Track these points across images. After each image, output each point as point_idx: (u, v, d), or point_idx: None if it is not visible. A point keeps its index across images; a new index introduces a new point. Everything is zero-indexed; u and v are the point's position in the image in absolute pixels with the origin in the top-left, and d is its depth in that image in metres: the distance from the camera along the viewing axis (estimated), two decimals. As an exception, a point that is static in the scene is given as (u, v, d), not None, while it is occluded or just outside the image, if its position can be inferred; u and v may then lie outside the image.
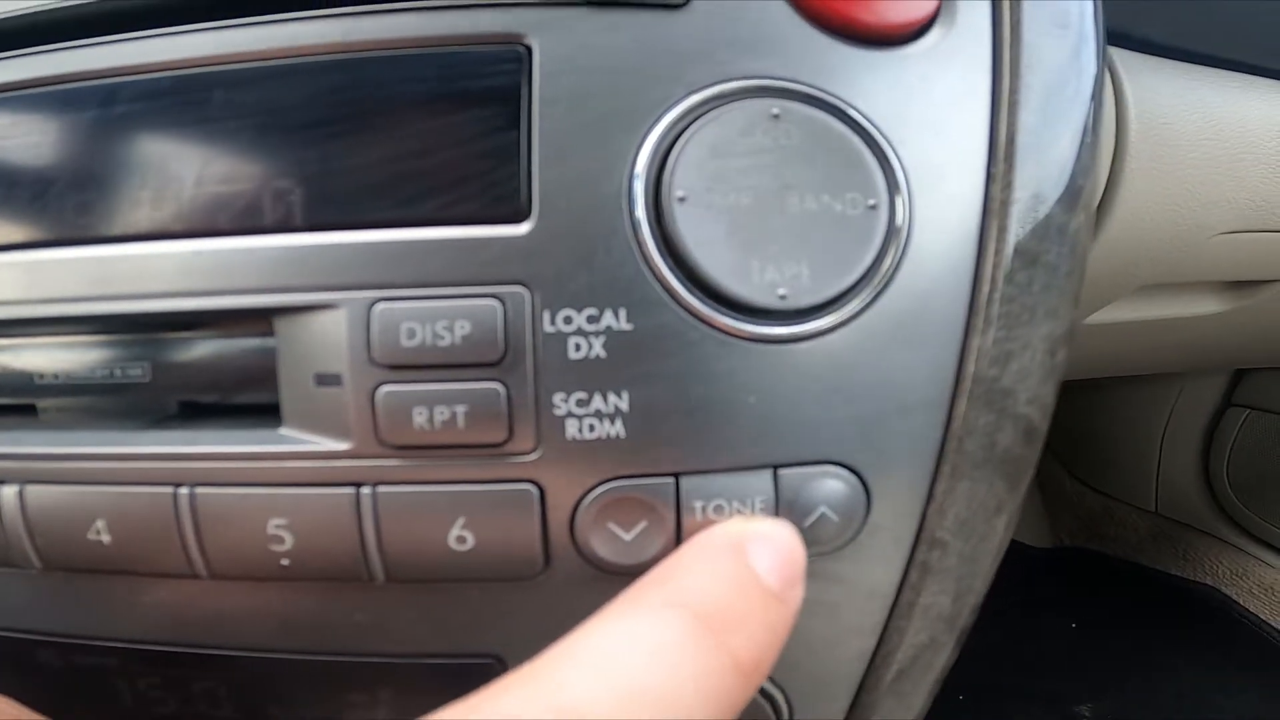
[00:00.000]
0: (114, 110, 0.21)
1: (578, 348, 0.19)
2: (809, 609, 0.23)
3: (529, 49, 0.20)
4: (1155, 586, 0.80)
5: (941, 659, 0.24)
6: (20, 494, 0.21)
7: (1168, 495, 0.82)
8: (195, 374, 0.22)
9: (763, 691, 0.24)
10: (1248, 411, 0.74)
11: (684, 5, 0.20)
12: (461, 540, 0.20)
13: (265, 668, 0.22)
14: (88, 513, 0.20)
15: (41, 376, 0.24)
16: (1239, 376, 0.75)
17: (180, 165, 0.20)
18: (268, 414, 0.21)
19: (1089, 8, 0.23)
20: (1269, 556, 0.73)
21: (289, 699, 0.24)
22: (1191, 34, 0.38)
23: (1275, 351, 0.53)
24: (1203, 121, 0.36)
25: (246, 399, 0.22)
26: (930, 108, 0.21)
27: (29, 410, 0.24)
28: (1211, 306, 0.40)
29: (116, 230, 0.20)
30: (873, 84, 0.20)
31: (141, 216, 0.20)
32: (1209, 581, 0.77)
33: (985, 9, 0.22)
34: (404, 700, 0.23)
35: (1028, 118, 0.21)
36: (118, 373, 0.23)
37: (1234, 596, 0.76)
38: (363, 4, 0.20)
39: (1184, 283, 0.40)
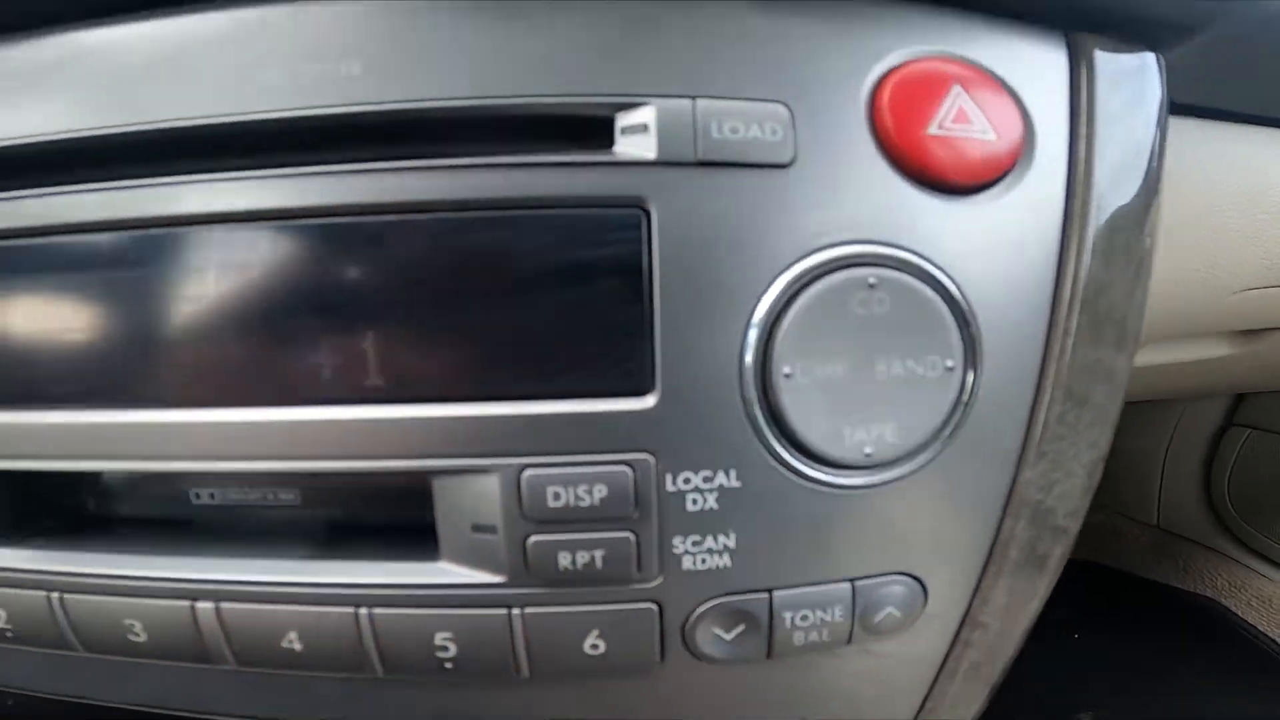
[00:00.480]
0: (264, 278, 0.23)
1: (694, 502, 0.23)
2: (869, 675, 0.28)
3: (647, 213, 0.22)
4: (1156, 598, 0.81)
5: (976, 707, 0.29)
6: (217, 610, 0.25)
7: (1169, 510, 0.83)
8: (345, 504, 0.26)
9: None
10: (1249, 431, 0.76)
11: (790, 164, 0.22)
12: (595, 647, 0.24)
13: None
14: (281, 627, 0.24)
15: (198, 496, 0.27)
16: (1240, 398, 0.77)
17: (339, 336, 0.23)
18: (418, 538, 0.25)
19: (1154, 142, 0.25)
20: (1267, 570, 0.75)
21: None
22: (1222, 91, 0.39)
23: (1278, 380, 0.56)
24: (1230, 184, 0.38)
25: (393, 520, 0.26)
26: (1006, 258, 0.23)
27: (186, 524, 0.27)
28: (1220, 350, 0.43)
29: (286, 397, 0.23)
30: (957, 235, 0.23)
31: (314, 384, 0.23)
32: (1208, 593, 0.79)
33: (1062, 153, 0.24)
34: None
35: (1093, 264, 0.24)
36: (270, 497, 0.27)
37: (1233, 608, 0.77)
38: (483, 156, 0.22)
39: (1197, 334, 0.43)
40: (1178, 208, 0.36)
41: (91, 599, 0.24)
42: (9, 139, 0.23)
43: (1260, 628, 0.74)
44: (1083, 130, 0.24)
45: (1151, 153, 0.25)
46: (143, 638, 0.25)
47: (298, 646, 0.24)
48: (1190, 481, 0.81)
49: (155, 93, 0.22)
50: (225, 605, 0.25)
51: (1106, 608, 0.81)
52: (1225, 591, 0.78)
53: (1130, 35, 0.25)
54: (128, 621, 0.25)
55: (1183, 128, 0.38)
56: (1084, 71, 0.24)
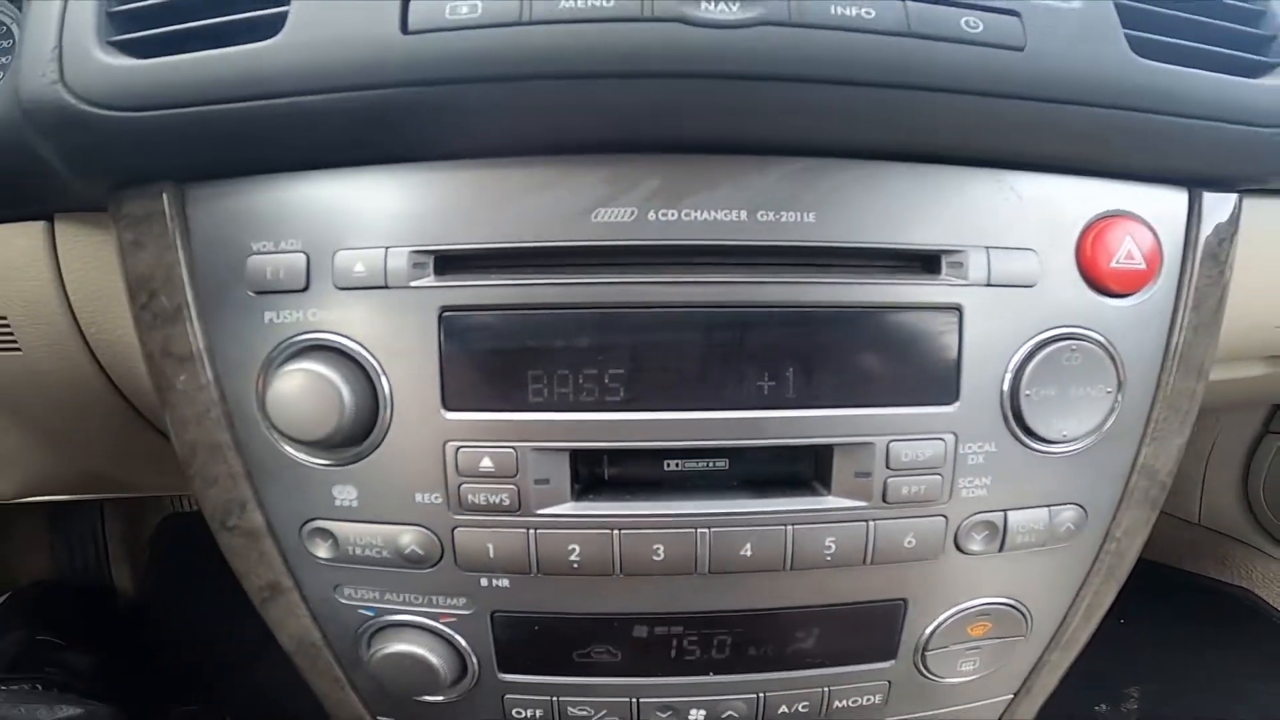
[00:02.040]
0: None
1: (972, 459, 0.43)
2: (1050, 568, 0.48)
3: (961, 311, 0.42)
4: (1195, 588, 0.90)
5: (1109, 590, 0.50)
6: (710, 533, 0.44)
7: (1210, 509, 0.92)
8: (757, 468, 0.45)
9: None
10: (1284, 439, 0.83)
11: (1035, 285, 0.42)
12: (910, 542, 0.44)
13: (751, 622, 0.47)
14: (741, 541, 0.43)
15: (668, 465, 0.46)
16: (1276, 409, 0.87)
17: (780, 371, 0.42)
18: (804, 484, 0.44)
19: (1230, 250, 0.45)
20: (1299, 564, 0.82)
21: (764, 639, 0.48)
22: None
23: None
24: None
25: (785, 474, 0.45)
26: (1141, 331, 0.44)
27: (660, 482, 0.46)
28: (1256, 370, 0.62)
29: (754, 403, 0.42)
30: (1117, 320, 0.44)
31: (764, 397, 0.42)
32: (1244, 585, 0.87)
33: (1176, 268, 0.44)
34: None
35: (1187, 334, 0.45)
36: (710, 466, 0.46)
37: (1265, 598, 0.84)
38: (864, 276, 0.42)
39: (1238, 359, 0.61)
40: (1244, 253, 0.46)
41: (636, 533, 0.43)
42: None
43: (1290, 615, 0.81)
44: (1190, 253, 0.45)
45: (1228, 257, 0.46)
46: (662, 557, 0.43)
47: (749, 554, 0.44)
48: (1229, 483, 0.90)
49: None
50: (714, 530, 0.44)
51: (1152, 597, 0.84)
52: (1259, 583, 0.87)
53: (1230, 189, 0.45)
54: (655, 546, 0.43)
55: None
56: (1197, 210, 0.44)
